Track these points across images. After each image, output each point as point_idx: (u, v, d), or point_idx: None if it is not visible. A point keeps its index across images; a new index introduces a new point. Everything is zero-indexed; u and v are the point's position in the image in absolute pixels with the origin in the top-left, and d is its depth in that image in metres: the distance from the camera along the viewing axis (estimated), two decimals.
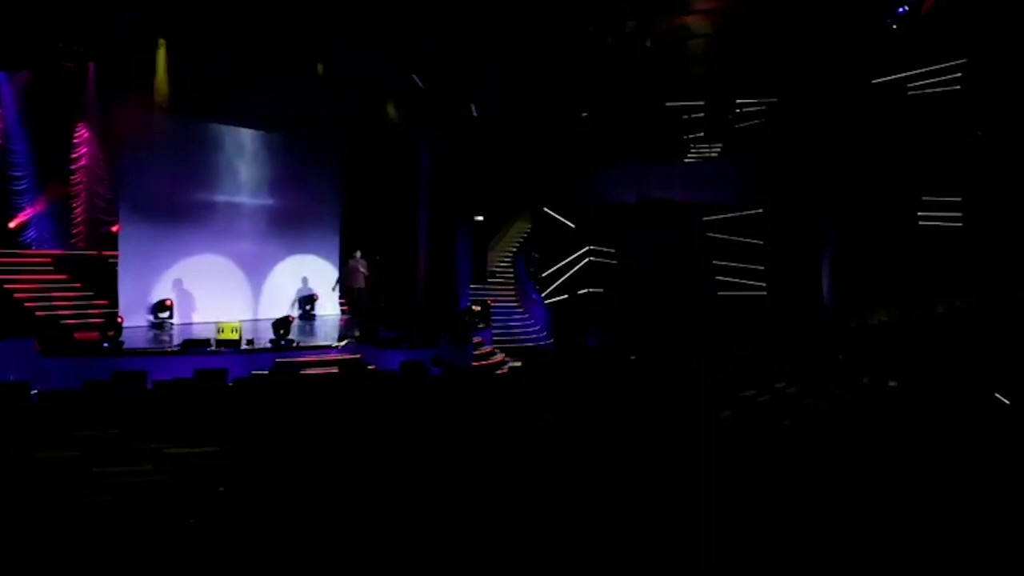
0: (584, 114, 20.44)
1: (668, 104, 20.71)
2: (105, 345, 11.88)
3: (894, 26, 16.45)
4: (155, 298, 14.74)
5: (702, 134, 21.33)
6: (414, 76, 16.33)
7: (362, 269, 15.83)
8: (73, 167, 15.75)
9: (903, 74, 18.11)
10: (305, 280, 17.21)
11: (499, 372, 14.28)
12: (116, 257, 14.61)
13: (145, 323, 14.54)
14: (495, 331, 17.06)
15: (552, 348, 18.12)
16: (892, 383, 10.70)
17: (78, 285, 14.69)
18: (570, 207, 21.26)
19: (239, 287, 16.26)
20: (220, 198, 16.05)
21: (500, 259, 20.38)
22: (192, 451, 6.13)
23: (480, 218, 19.18)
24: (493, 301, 18.08)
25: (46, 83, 14.85)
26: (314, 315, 16.99)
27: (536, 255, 21.14)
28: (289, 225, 16.99)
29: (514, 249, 20.69)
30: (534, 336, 18.72)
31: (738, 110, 20.72)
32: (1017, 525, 4.60)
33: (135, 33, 13.85)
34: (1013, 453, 6.39)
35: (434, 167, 16.89)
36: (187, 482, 5.37)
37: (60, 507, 4.65)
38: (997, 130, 17.00)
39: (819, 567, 4.22)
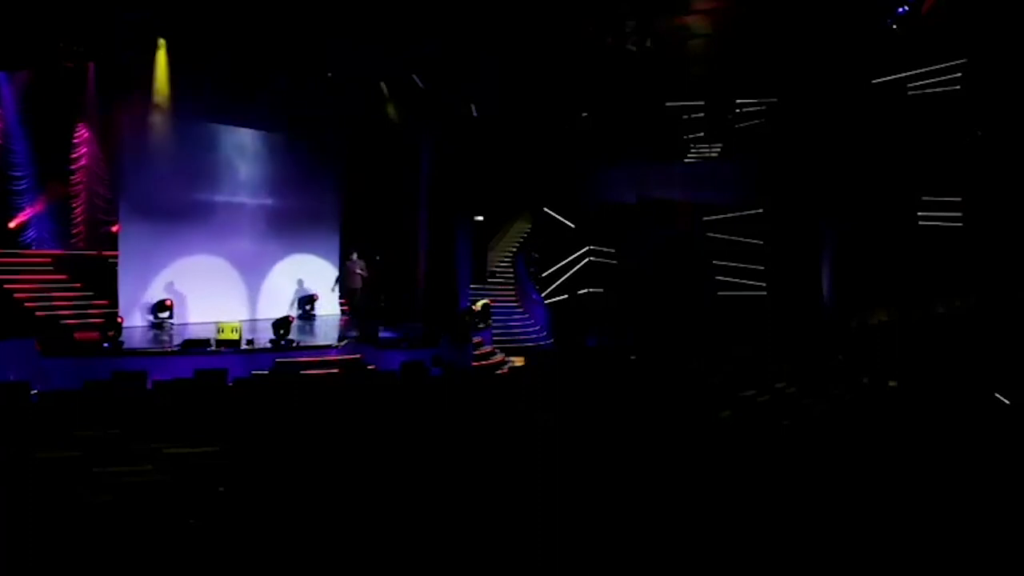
0: (584, 114, 20.44)
1: (668, 104, 20.70)
2: (105, 345, 11.88)
3: (894, 26, 16.44)
4: (155, 298, 14.74)
5: (702, 134, 21.31)
6: (414, 76, 16.33)
7: (358, 271, 15.84)
8: (73, 167, 15.73)
9: (903, 74, 18.10)
10: (305, 280, 17.21)
11: (499, 372, 14.29)
12: (116, 257, 14.61)
13: (145, 323, 14.55)
14: (495, 331, 17.06)
15: (552, 348, 18.11)
16: (892, 383, 10.71)
17: (78, 285, 14.69)
18: (570, 207, 21.25)
19: (239, 287, 16.27)
20: (220, 198, 16.05)
21: (500, 259, 20.37)
22: (192, 451, 6.14)
23: (480, 218, 19.17)
24: (493, 301, 18.08)
25: (46, 83, 14.84)
26: (314, 315, 17.00)
27: (536, 255, 21.13)
28: (289, 225, 16.99)
29: (514, 249, 20.68)
30: (534, 336, 18.71)
31: (738, 110, 20.71)
32: (1017, 525, 4.60)
33: (135, 33, 13.86)
34: (1013, 453, 6.39)
35: (434, 167, 16.89)
36: (187, 482, 5.37)
37: (60, 507, 4.65)
38: (997, 130, 17.00)
39: (819, 567, 4.22)
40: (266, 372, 11.45)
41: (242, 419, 7.94)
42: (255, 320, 15.92)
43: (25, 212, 15.20)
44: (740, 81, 19.78)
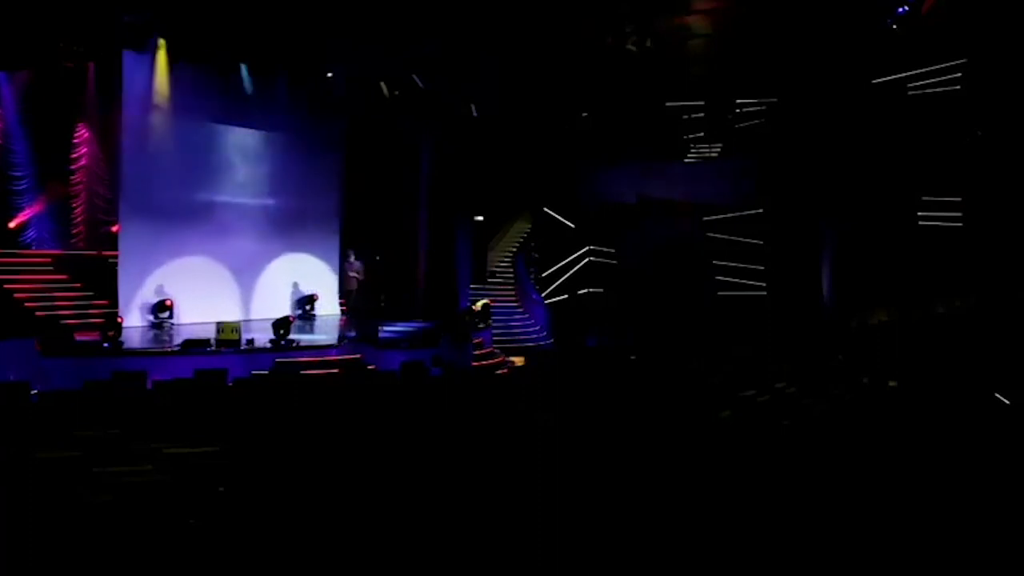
0: (584, 114, 20.44)
1: (668, 104, 20.70)
2: (105, 345, 11.88)
3: (894, 26, 16.43)
4: (155, 298, 14.73)
5: (702, 134, 21.31)
6: (414, 76, 16.33)
7: (353, 273, 15.84)
8: (73, 167, 15.73)
9: (903, 74, 18.10)
10: (305, 280, 17.20)
11: (499, 372, 14.29)
12: (116, 257, 14.59)
13: (145, 323, 14.54)
14: (495, 331, 17.05)
15: (552, 348, 18.11)
16: (892, 383, 10.72)
17: (78, 285, 14.67)
18: (570, 207, 21.24)
19: (239, 287, 16.25)
20: (220, 198, 16.03)
21: (500, 259, 20.36)
22: (192, 451, 6.14)
23: (480, 218, 19.17)
24: (493, 301, 18.07)
25: (46, 83, 14.84)
26: (314, 315, 16.98)
27: (536, 255, 21.13)
28: (289, 225, 16.97)
29: (514, 249, 20.67)
30: (534, 336, 18.70)
31: (738, 110, 20.71)
32: (1017, 525, 4.60)
33: (135, 33, 13.86)
34: (1013, 453, 6.39)
35: (434, 167, 16.89)
36: (187, 482, 5.38)
37: (60, 507, 4.65)
38: (997, 130, 17.00)
39: (819, 567, 4.22)
40: (266, 372, 11.45)
41: (242, 419, 7.94)
42: (255, 320, 15.90)
43: (25, 212, 15.21)
44: (740, 81, 19.78)
